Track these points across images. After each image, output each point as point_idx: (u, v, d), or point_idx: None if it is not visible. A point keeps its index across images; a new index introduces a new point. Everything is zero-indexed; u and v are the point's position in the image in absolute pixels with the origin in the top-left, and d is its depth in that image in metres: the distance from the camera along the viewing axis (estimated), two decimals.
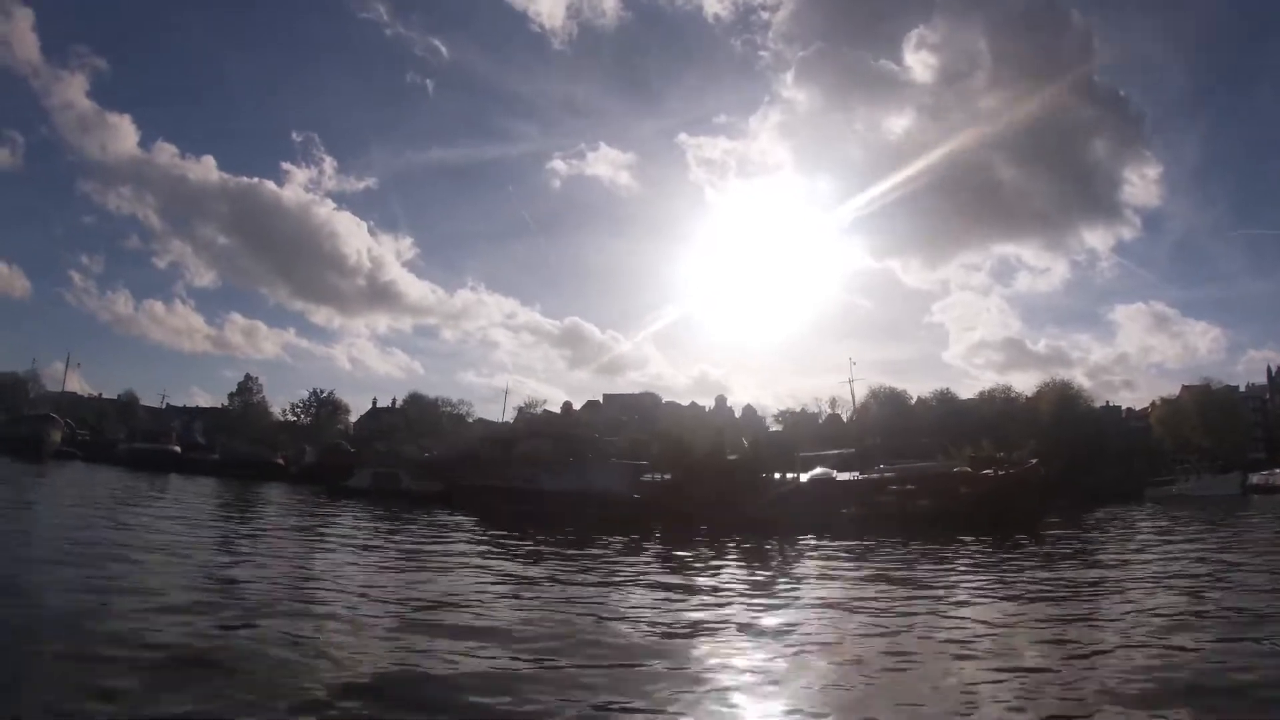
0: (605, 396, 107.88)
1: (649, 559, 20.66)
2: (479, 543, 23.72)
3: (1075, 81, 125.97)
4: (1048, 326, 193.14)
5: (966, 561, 20.08)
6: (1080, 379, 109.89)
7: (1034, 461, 38.07)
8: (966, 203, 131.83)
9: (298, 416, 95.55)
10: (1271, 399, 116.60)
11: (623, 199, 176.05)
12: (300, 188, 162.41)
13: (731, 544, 24.41)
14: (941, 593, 14.82)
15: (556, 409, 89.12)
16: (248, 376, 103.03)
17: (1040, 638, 10.65)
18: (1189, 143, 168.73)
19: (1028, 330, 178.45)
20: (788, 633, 10.83)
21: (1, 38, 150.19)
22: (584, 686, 7.81)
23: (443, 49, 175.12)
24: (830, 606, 13.36)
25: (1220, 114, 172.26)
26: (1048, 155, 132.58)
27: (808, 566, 19.60)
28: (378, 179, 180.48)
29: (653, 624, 11.32)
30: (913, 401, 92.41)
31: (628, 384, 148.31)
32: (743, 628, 11.26)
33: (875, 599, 14.14)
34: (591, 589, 14.85)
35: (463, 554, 20.45)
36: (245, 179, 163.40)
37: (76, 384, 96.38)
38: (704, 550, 22.76)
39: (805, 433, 72.15)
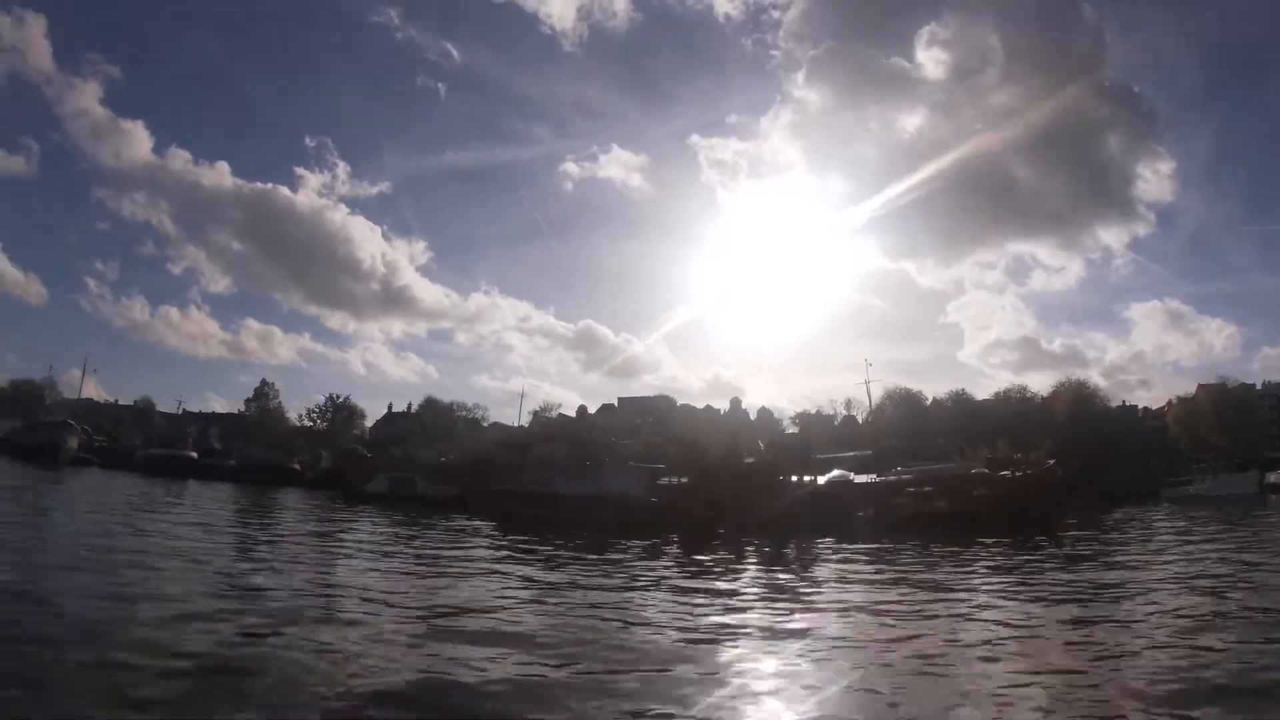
0: (620, 399, 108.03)
1: (668, 563, 20.69)
2: (498, 547, 23.77)
3: (1088, 77, 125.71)
4: (1063, 325, 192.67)
5: (987, 563, 20.04)
6: (1096, 378, 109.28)
7: (1051, 462, 37.93)
8: (980, 201, 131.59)
9: (314, 422, 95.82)
10: None
11: (635, 201, 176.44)
12: (314, 193, 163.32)
13: (750, 547, 24.42)
14: (964, 595, 14.80)
15: (571, 412, 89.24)
16: (264, 382, 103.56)
17: (1066, 640, 10.65)
18: (1201, 137, 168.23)
19: (1043, 329, 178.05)
20: (813, 636, 10.85)
21: (14, 46, 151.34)
22: (614, 693, 7.83)
23: (454, 52, 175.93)
24: (854, 610, 13.34)
25: (1232, 108, 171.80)
26: (1061, 152, 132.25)
27: (828, 569, 19.56)
28: (391, 183, 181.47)
29: (678, 628, 11.34)
30: (928, 402, 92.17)
31: (642, 387, 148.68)
32: (767, 631, 11.29)
33: (898, 602, 14.11)
34: (614, 594, 14.86)
35: (482, 559, 20.51)
36: (259, 185, 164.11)
37: (93, 390, 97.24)
38: (723, 554, 22.78)
39: (821, 434, 72.01)
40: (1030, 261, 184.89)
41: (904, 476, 36.27)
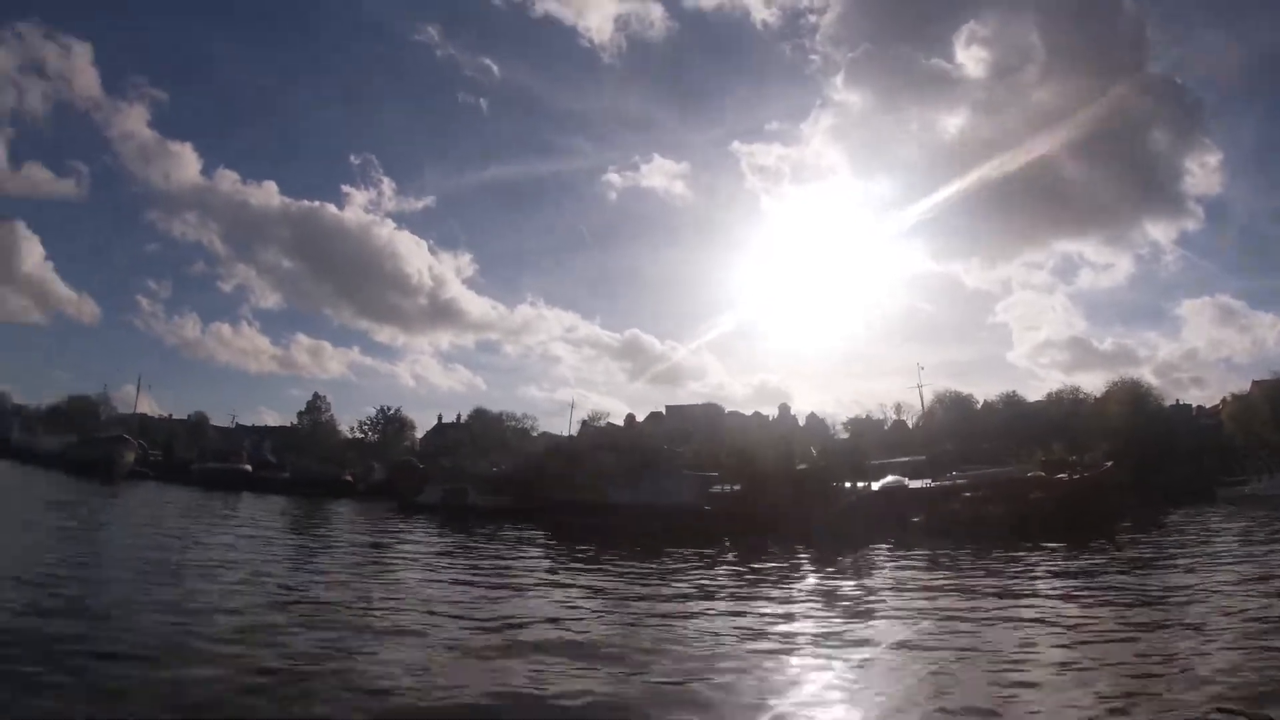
0: (667, 408, 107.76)
1: (727, 571, 20.78)
2: (556, 557, 24.01)
3: (1130, 70, 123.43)
4: (1113, 324, 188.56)
5: (1048, 567, 19.94)
6: (1148, 377, 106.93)
7: (1109, 464, 37.50)
8: (1026, 200, 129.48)
9: (365, 434, 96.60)
10: None
11: (678, 209, 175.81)
12: (360, 209, 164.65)
13: (805, 554, 24.41)
14: (1030, 600, 14.77)
15: (618, 421, 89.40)
16: (316, 395, 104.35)
17: (1137, 643, 10.62)
18: (1247, 127, 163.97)
19: (1093, 329, 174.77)
20: (878, 643, 10.91)
21: (63, 73, 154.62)
22: (692, 703, 7.99)
23: (494, 68, 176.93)
24: (918, 615, 13.37)
25: (1278, 95, 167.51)
26: (1106, 148, 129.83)
27: (886, 576, 19.55)
28: (436, 198, 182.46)
29: (743, 636, 11.47)
30: (979, 405, 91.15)
31: (688, 395, 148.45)
32: (833, 639, 11.36)
33: (964, 608, 14.08)
34: (676, 603, 15.03)
35: (542, 569, 20.76)
36: (306, 203, 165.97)
37: (147, 406, 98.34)
38: (779, 561, 22.82)
39: (871, 440, 71.55)
40: (1078, 260, 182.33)
41: (959, 481, 36.04)
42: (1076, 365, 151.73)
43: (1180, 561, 21.40)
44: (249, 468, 69.04)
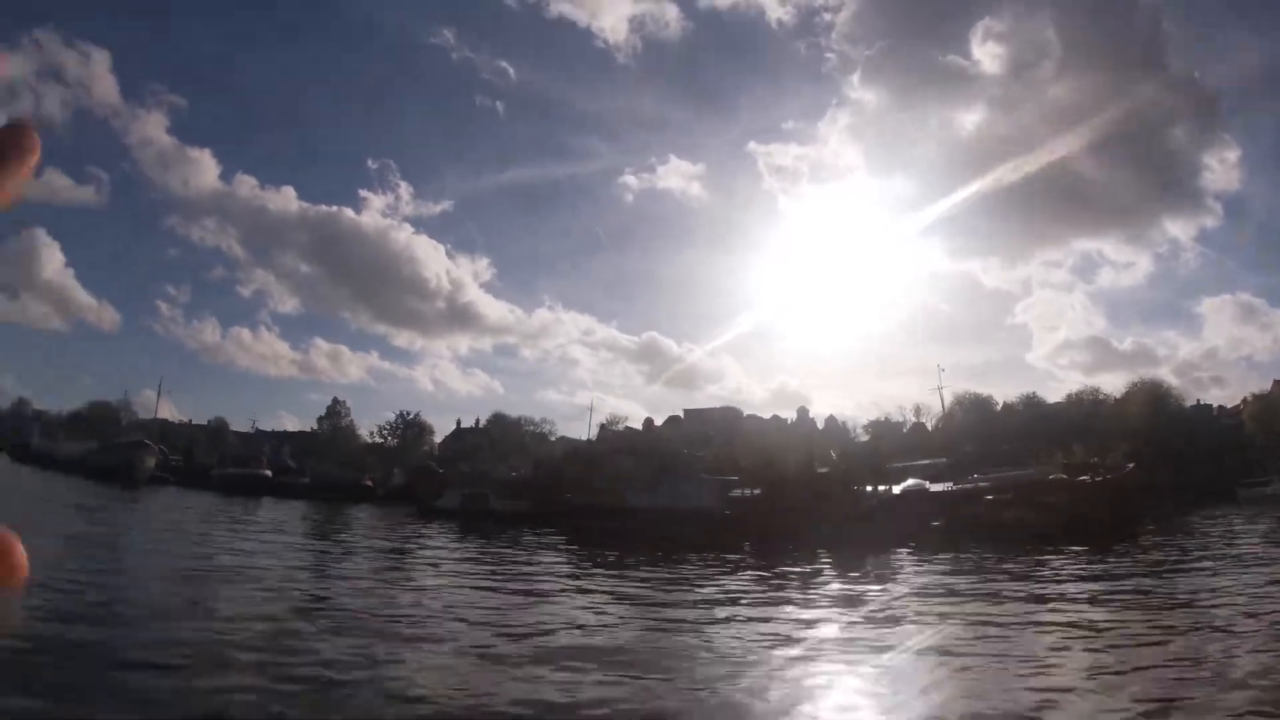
0: (685, 411, 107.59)
1: (750, 575, 20.77)
2: (578, 562, 24.07)
3: (1148, 66, 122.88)
4: (1133, 323, 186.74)
5: (1073, 571, 19.87)
6: (1168, 377, 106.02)
7: (1130, 466, 37.31)
8: (1044, 199, 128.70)
9: (384, 439, 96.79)
10: None
11: (694, 210, 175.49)
12: (378, 214, 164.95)
13: (828, 558, 24.40)
14: (1060, 604, 14.73)
15: (636, 424, 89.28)
16: (335, 400, 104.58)
17: (1169, 648, 10.59)
18: (1265, 122, 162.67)
19: (1112, 328, 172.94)
20: (914, 648, 10.92)
21: (82, 80, 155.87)
22: (725, 710, 8.05)
23: (510, 71, 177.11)
24: (948, 620, 13.34)
25: None
26: (1123, 145, 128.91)
27: (911, 580, 19.55)
28: (453, 202, 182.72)
29: (772, 642, 11.51)
30: (998, 407, 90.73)
31: (706, 398, 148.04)
32: (863, 643, 11.36)
33: (992, 612, 14.03)
34: (701, 609, 15.07)
35: (565, 574, 20.84)
36: (324, 207, 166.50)
37: (167, 411, 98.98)
38: (803, 566, 22.80)
39: (891, 443, 71.32)
40: (1098, 258, 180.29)
41: (980, 484, 35.90)
42: (1096, 366, 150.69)
43: (1205, 564, 21.30)
44: (269, 473, 69.11)
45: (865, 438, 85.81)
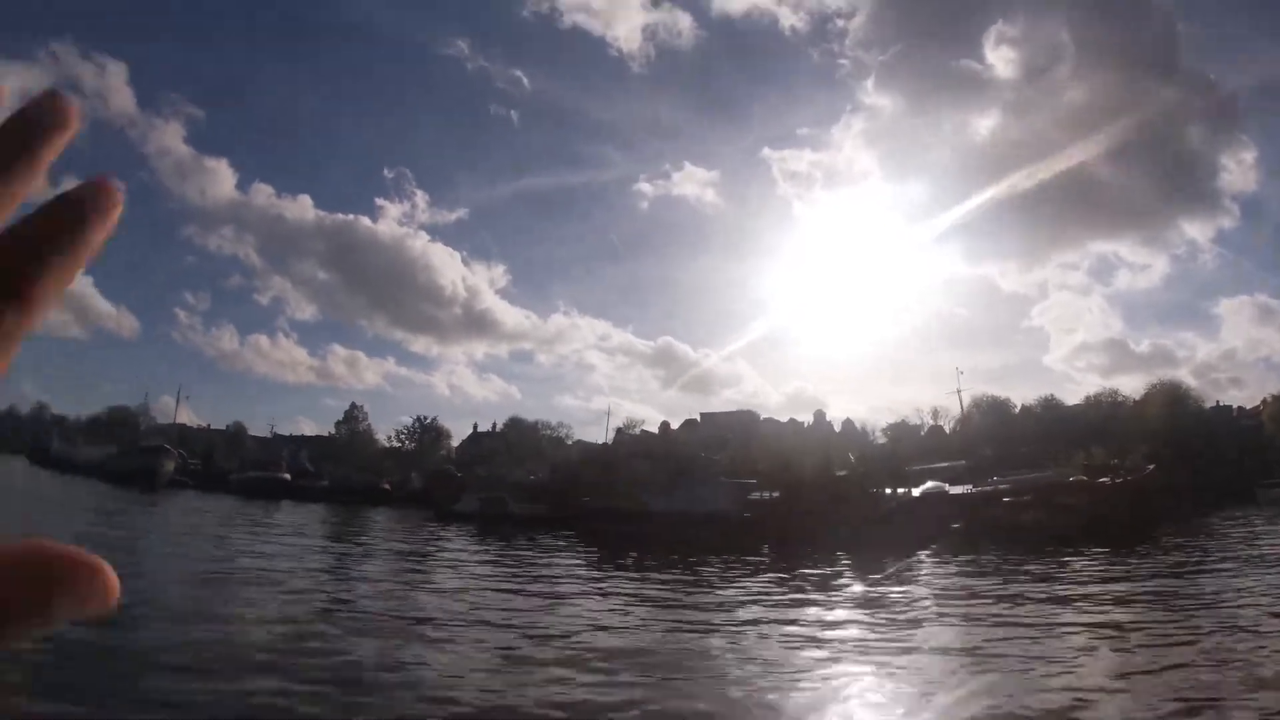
0: (702, 415, 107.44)
1: (772, 579, 20.76)
2: (601, 566, 24.08)
3: (1162, 68, 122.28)
4: (1150, 325, 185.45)
5: (1096, 572, 19.78)
6: (1186, 378, 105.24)
7: (1151, 467, 37.12)
8: (1060, 201, 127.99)
9: (402, 443, 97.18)
10: None
11: (709, 216, 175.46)
12: (394, 222, 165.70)
13: (848, 561, 24.33)
14: (1085, 605, 14.67)
15: (652, 429, 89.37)
16: (353, 405, 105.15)
17: (1196, 647, 10.54)
18: None
19: (1130, 330, 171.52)
20: (940, 651, 10.91)
21: (99, 91, 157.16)
22: (754, 712, 8.06)
23: (524, 80, 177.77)
24: (974, 622, 13.33)
25: None
26: (1140, 147, 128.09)
27: (933, 583, 19.50)
28: (469, 210, 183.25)
29: (799, 645, 11.51)
30: (1016, 410, 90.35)
31: (722, 402, 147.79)
32: (888, 645, 11.35)
33: (1019, 614, 13.99)
34: (724, 612, 15.06)
35: (587, 577, 20.86)
36: (340, 216, 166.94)
37: (186, 416, 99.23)
38: (823, 569, 22.76)
39: (909, 446, 71.13)
40: (1114, 260, 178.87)
41: (1000, 486, 35.79)
42: (1114, 368, 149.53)
43: (1227, 565, 21.18)
44: (288, 476, 69.51)
45: (883, 441, 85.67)
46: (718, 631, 12.88)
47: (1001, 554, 24.07)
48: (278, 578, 17.71)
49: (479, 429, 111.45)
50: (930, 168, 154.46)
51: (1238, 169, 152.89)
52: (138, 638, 10.46)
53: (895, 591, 17.98)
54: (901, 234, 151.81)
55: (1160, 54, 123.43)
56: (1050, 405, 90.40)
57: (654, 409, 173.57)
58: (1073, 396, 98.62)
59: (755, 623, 13.66)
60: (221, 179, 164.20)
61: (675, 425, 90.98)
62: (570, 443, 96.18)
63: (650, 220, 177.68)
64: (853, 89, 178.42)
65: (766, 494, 37.92)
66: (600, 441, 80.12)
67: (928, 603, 15.97)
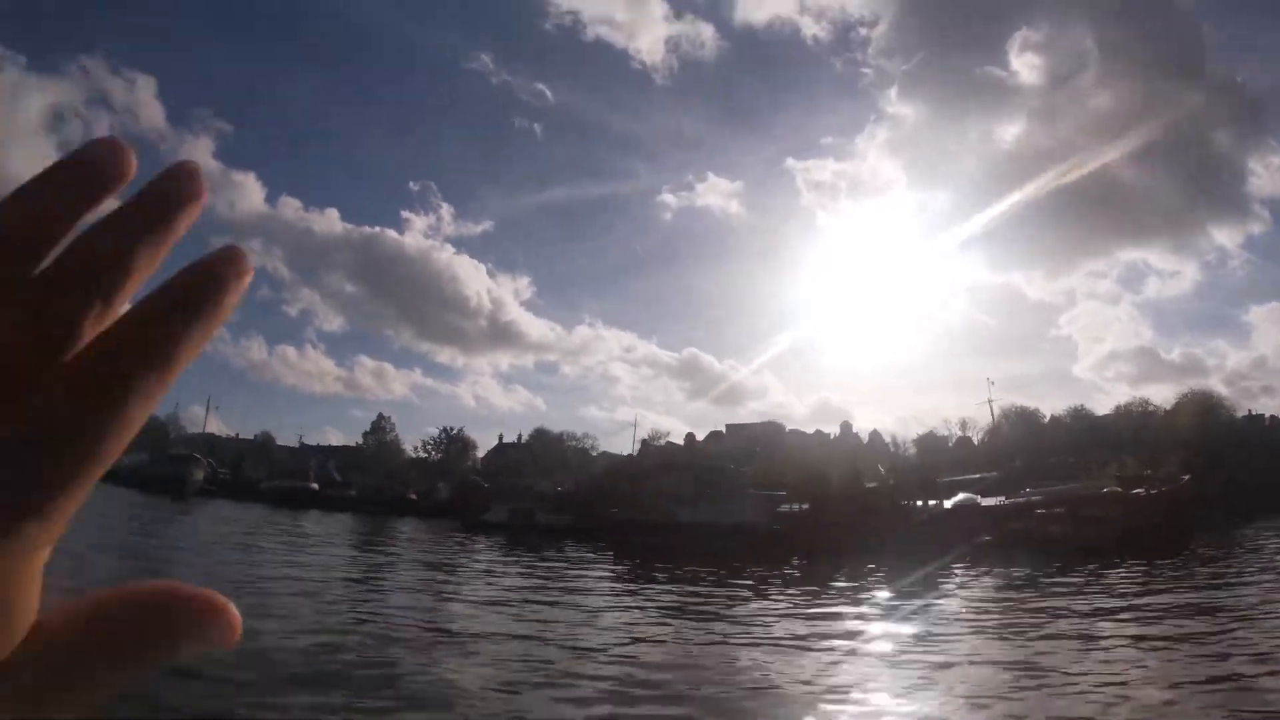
0: (728, 426, 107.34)
1: (806, 591, 20.68)
2: (633, 578, 24.05)
3: (1188, 72, 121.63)
4: (1180, 333, 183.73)
5: (1134, 584, 19.56)
6: (1218, 387, 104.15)
7: (1185, 478, 36.74)
8: (1087, 208, 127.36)
9: (428, 454, 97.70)
10: None
11: (733, 227, 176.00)
12: (420, 234, 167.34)
13: (879, 572, 24.17)
14: (1126, 618, 14.50)
15: (678, 440, 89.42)
16: (381, 416, 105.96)
17: (1245, 660, 10.40)
18: None
19: (1159, 338, 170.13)
20: (985, 665, 10.80)
21: (129, 106, 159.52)
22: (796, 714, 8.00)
23: (547, 93, 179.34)
24: (1016, 635, 13.21)
25: None
26: (1167, 152, 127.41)
27: (970, 596, 19.37)
28: (494, 222, 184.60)
29: (848, 657, 11.44)
30: (1045, 420, 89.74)
31: (748, 414, 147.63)
32: (933, 659, 11.26)
33: (1064, 628, 13.85)
34: (761, 625, 15.00)
35: (624, 590, 20.85)
36: (367, 228, 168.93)
37: (215, 426, 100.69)
38: (856, 580, 22.64)
39: (938, 457, 70.78)
40: (1143, 268, 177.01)
41: (1033, 498, 35.52)
42: (1143, 377, 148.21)
43: (1267, 577, 20.89)
44: (316, 486, 70.12)
45: (912, 451, 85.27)
46: (752, 638, 12.83)
47: (1036, 566, 23.85)
48: (310, 587, 17.78)
49: (504, 440, 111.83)
50: (955, 176, 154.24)
51: (1266, 173, 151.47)
52: None
53: (931, 603, 17.86)
54: (926, 243, 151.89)
55: (1186, 57, 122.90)
56: (1080, 415, 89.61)
57: (679, 420, 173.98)
58: (1102, 406, 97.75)
59: (796, 636, 13.57)
60: (250, 193, 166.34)
61: (700, 437, 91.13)
62: (595, 454, 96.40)
63: (674, 231, 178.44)
64: (876, 98, 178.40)
65: (795, 506, 37.78)
66: (625, 453, 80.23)
67: (966, 615, 15.85)
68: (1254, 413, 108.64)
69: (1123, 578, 20.86)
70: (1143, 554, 25.25)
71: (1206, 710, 8.15)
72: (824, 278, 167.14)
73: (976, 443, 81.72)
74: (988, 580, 21.80)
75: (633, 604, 17.90)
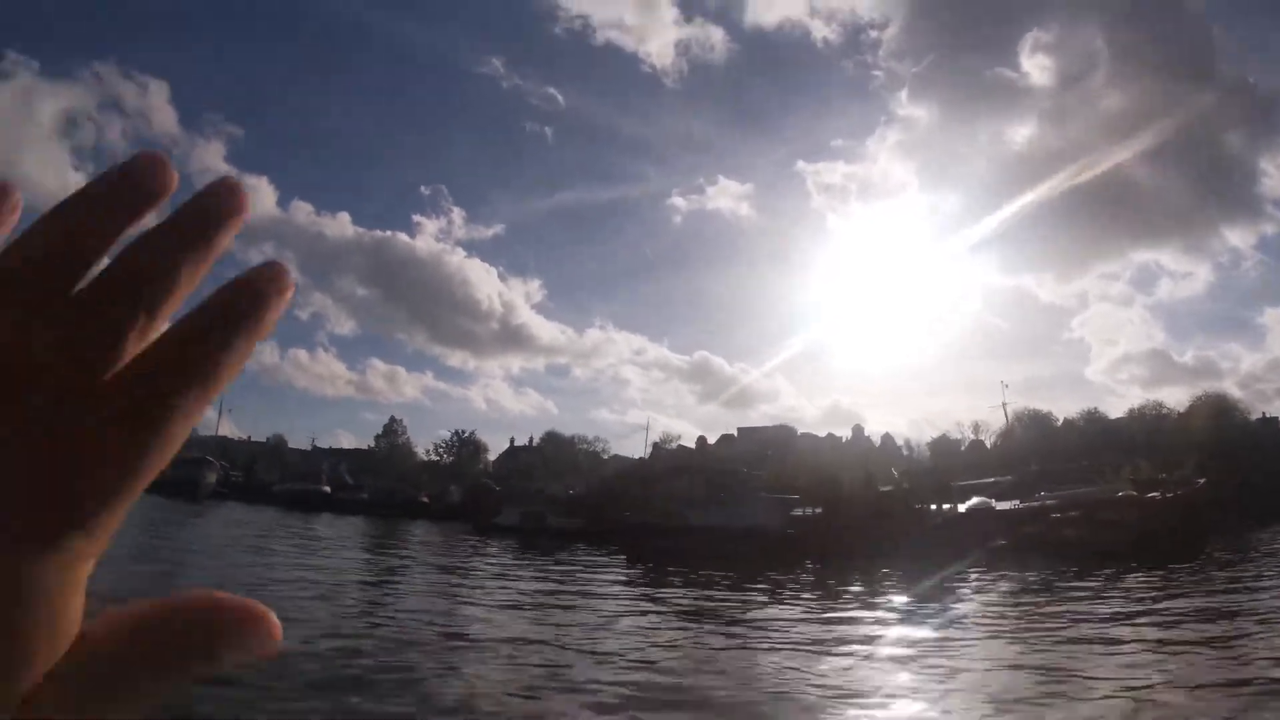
0: (740, 430, 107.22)
1: (821, 595, 20.67)
2: (648, 582, 24.03)
3: (1198, 73, 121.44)
4: (1193, 335, 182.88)
5: (1152, 589, 19.43)
6: (1231, 389, 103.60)
7: (1201, 481, 36.54)
8: (1099, 210, 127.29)
9: (440, 456, 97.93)
10: None
11: (744, 230, 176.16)
12: (431, 238, 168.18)
13: (894, 576, 24.12)
14: (1146, 623, 14.40)
15: (689, 443, 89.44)
16: (392, 419, 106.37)
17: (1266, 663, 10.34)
18: None
19: (1172, 341, 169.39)
20: (1008, 669, 10.76)
21: (141, 111, 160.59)
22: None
23: (558, 97, 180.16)
24: (1037, 638, 13.14)
25: None
26: (1178, 153, 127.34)
27: (986, 600, 19.29)
28: (505, 225, 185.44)
29: (866, 660, 11.40)
30: (1059, 423, 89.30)
31: (760, 417, 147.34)
32: (953, 663, 11.22)
33: (1087, 634, 13.77)
34: (781, 629, 14.95)
35: (640, 594, 20.81)
36: (379, 232, 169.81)
37: (228, 429, 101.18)
38: (870, 584, 22.60)
39: (951, 460, 70.52)
40: (1156, 270, 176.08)
41: (1048, 502, 35.37)
42: (1156, 379, 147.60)
43: None
44: (328, 488, 70.41)
45: (925, 454, 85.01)
46: (770, 641, 12.79)
47: (1052, 570, 23.74)
48: (324, 591, 17.78)
49: (516, 443, 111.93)
50: (966, 178, 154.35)
51: (1278, 174, 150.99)
52: None
53: (948, 607, 17.80)
54: (937, 245, 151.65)
55: (1196, 58, 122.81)
56: (1093, 418, 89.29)
57: (690, 423, 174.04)
58: (1115, 409, 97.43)
59: (814, 640, 13.52)
60: (262, 196, 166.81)
61: (712, 440, 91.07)
62: (606, 457, 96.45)
63: (684, 234, 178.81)
64: (886, 100, 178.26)
65: (807, 510, 37.69)
66: (637, 456, 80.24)
67: (983, 619, 15.77)
68: (1268, 416, 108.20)
69: (1140, 581, 20.75)
70: (1159, 558, 25.12)
71: (1232, 713, 8.09)
72: (835, 280, 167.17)
73: (989, 446, 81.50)
74: (1004, 584, 21.69)
75: (649, 608, 17.86)
